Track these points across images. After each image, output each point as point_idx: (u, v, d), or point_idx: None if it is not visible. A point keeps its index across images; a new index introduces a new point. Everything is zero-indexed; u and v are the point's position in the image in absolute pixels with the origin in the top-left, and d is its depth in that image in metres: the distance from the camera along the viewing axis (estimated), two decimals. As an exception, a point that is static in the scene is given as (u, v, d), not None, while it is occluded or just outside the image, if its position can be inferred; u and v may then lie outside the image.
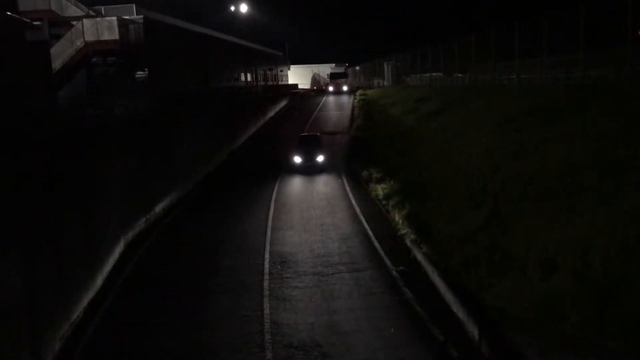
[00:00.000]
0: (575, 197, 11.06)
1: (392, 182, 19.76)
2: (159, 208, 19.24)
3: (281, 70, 75.00)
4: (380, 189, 19.98)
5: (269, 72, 61.25)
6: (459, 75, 31.38)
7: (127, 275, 14.47)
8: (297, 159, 26.65)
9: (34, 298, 9.72)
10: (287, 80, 79.88)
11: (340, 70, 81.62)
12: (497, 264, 11.23)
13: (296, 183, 24.94)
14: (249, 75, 49.39)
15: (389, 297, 12.27)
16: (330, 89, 71.90)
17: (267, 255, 15.15)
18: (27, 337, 9.41)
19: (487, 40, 23.79)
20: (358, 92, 60.34)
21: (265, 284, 13.23)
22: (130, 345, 10.86)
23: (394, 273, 13.44)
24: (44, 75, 17.50)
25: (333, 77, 76.42)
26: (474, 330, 10.13)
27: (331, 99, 62.28)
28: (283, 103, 58.30)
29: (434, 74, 36.64)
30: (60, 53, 21.88)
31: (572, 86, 17.10)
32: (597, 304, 8.47)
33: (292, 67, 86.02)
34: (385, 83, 54.23)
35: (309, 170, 26.22)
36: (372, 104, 45.84)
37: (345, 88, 71.18)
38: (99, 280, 13.34)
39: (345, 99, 60.81)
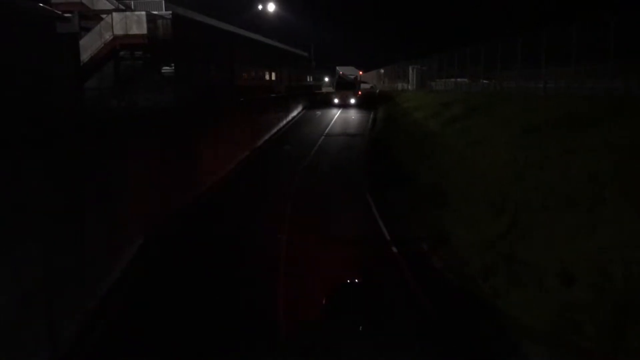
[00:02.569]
0: (598, 210, 10.88)
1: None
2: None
3: (306, 70, 74.63)
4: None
5: (293, 72, 61.32)
6: (484, 81, 31.05)
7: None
8: None
9: (53, 284, 9.89)
10: (312, 80, 79.22)
11: (349, 78, 62.74)
12: (514, 273, 11.12)
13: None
14: (273, 74, 49.58)
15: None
16: (336, 100, 58.19)
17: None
18: (45, 321, 9.57)
19: (514, 48, 23.51)
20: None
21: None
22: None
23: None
24: (73, 66, 17.77)
25: (339, 86, 60.16)
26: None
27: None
28: (307, 103, 58.39)
29: (459, 79, 36.30)
30: (89, 45, 22.19)
31: (599, 96, 16.83)
32: (615, 318, 8.34)
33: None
34: (410, 87, 53.86)
35: None
36: (395, 108, 45.69)
37: (352, 101, 57.38)
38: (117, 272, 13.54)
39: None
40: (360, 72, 71.63)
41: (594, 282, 9.20)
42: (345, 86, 58.71)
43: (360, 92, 60.18)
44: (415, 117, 35.03)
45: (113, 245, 13.56)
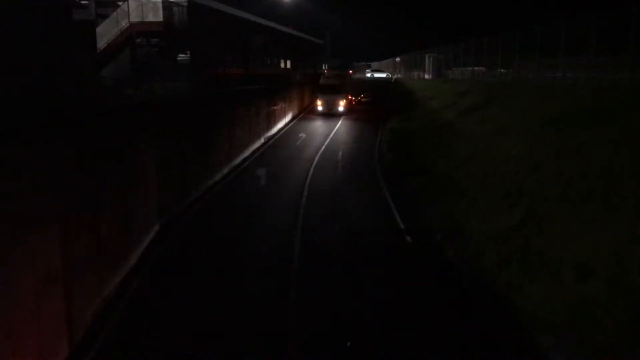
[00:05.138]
0: (616, 203, 10.75)
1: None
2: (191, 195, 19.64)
3: (321, 59, 74.27)
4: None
5: (309, 60, 61.07)
6: (502, 70, 30.75)
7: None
8: None
9: (70, 272, 9.99)
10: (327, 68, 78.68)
11: (336, 78, 46.39)
12: (529, 265, 11.05)
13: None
14: (288, 62, 49.52)
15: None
16: (320, 108, 43.80)
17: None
18: (63, 308, 9.69)
19: (533, 37, 23.21)
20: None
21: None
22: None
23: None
24: (89, 53, 17.83)
25: (323, 89, 44.57)
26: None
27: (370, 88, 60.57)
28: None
29: (476, 68, 35.99)
30: (106, 33, 22.31)
31: (618, 87, 16.59)
32: (632, 312, 8.26)
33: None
34: (426, 75, 53.49)
35: None
36: (410, 96, 45.49)
37: (340, 108, 43.48)
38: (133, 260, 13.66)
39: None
40: (350, 71, 62.01)
41: (610, 276, 9.11)
42: (329, 89, 44.33)
43: (350, 97, 47.15)
44: (431, 106, 34.84)
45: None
